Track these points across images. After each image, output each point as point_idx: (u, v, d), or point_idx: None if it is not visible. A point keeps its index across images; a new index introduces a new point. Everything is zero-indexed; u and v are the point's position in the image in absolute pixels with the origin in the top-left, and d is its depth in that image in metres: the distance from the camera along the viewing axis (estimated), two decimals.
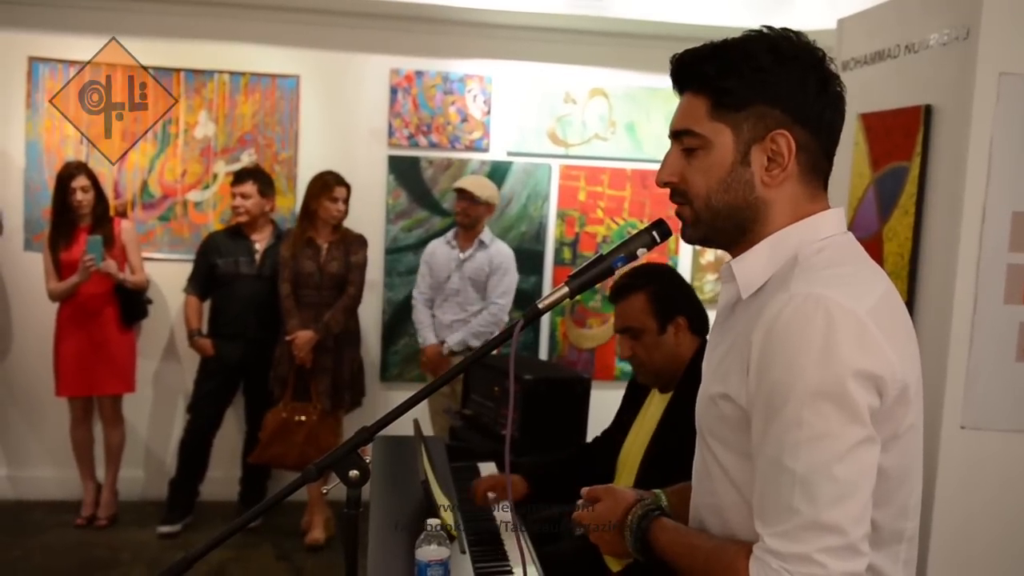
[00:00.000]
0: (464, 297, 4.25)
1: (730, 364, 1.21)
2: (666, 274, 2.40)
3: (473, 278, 4.25)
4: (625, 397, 2.52)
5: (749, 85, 1.19)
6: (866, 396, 1.08)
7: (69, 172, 4.12)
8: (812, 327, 1.08)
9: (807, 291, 1.12)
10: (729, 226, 1.24)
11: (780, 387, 1.10)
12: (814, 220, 1.22)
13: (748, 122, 1.20)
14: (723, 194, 1.22)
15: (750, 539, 1.15)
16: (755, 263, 1.23)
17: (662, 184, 1.27)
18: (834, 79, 1.24)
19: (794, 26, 1.25)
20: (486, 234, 4.32)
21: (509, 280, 4.30)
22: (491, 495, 2.26)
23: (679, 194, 1.26)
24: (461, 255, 4.28)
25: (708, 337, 1.35)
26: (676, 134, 1.26)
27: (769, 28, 1.24)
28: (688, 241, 1.30)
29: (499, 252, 4.31)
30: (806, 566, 1.06)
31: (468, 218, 4.23)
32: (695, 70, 1.23)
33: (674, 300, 2.28)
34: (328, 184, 4.14)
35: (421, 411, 4.19)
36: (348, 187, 4.20)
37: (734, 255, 1.27)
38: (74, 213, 4.14)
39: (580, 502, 1.48)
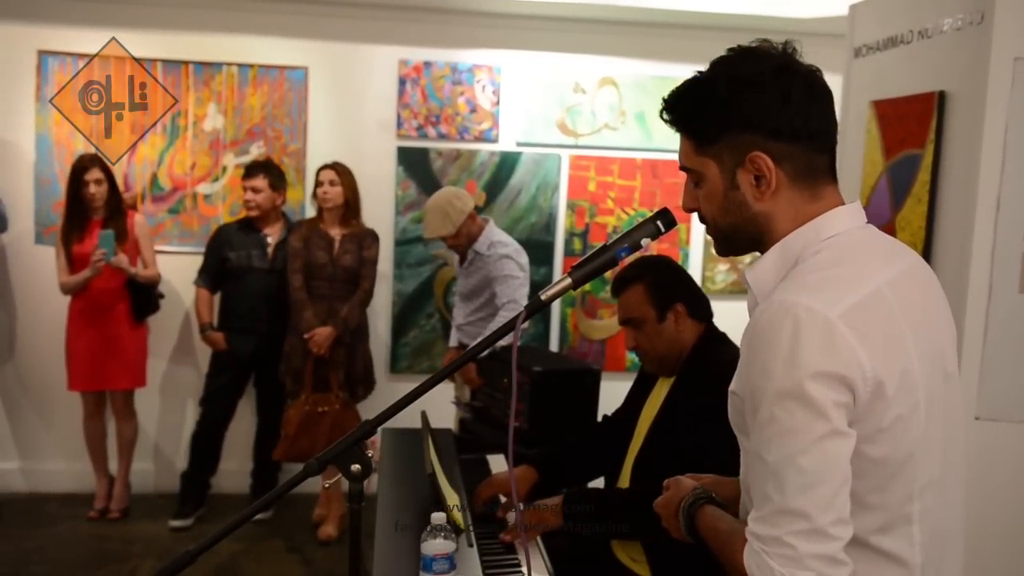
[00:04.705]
0: (470, 301, 4.11)
1: (740, 365, 1.30)
2: (663, 264, 2.45)
3: (474, 285, 4.03)
4: (635, 383, 2.54)
5: (715, 121, 1.29)
6: (829, 394, 1.16)
7: (83, 165, 4.11)
8: (781, 333, 1.18)
9: (782, 298, 1.21)
10: (742, 240, 1.36)
11: (757, 388, 1.20)
12: (818, 222, 1.30)
13: (726, 152, 1.30)
14: (725, 216, 1.34)
15: None
16: (765, 270, 1.32)
17: (687, 212, 1.40)
18: (800, 80, 1.27)
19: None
20: (482, 241, 3.91)
21: (508, 287, 3.85)
22: (503, 498, 2.24)
23: (701, 219, 1.38)
24: (459, 266, 4.13)
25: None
26: (681, 168, 1.38)
27: (735, 49, 1.31)
28: (721, 255, 1.43)
29: (494, 263, 3.87)
30: (779, 547, 1.15)
31: (457, 249, 3.99)
32: (672, 116, 1.35)
33: (671, 288, 2.34)
34: (318, 172, 4.21)
35: (438, 403, 4.17)
36: (337, 169, 4.16)
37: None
38: (87, 206, 4.15)
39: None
